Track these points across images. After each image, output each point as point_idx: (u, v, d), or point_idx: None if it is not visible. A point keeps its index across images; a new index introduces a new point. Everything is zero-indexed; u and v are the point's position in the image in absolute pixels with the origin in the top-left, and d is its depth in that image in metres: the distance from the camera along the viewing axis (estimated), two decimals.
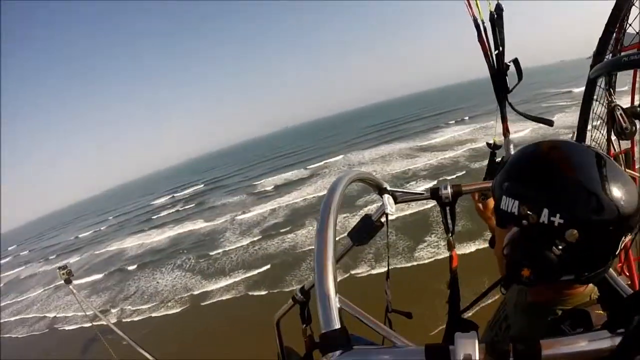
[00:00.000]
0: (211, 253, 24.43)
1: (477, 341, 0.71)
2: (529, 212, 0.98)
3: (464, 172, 26.61)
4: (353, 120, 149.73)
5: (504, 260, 1.10)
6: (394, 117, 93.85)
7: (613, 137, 2.31)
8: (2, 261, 51.35)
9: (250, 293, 17.53)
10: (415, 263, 15.05)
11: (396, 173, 33.27)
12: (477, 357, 0.69)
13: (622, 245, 0.97)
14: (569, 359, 0.74)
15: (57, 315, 22.20)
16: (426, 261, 14.84)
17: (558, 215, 0.94)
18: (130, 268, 26.69)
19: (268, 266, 19.74)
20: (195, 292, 19.38)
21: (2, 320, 24.65)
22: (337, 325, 0.80)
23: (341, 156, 49.30)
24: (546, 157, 1.03)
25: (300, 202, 31.55)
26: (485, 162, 2.19)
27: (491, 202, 1.90)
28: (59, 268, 4.17)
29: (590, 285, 1.14)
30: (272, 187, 41.69)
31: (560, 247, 0.95)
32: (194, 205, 46.27)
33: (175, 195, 63.25)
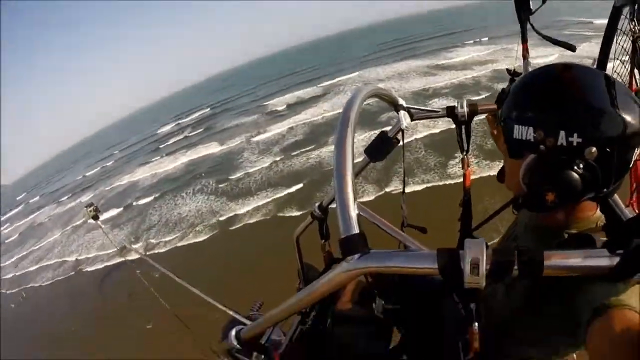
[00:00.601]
0: (232, 176, 23.27)
1: (485, 246, 0.76)
2: (545, 136, 0.99)
3: (487, 93, 25.47)
4: (362, 37, 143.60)
5: (522, 191, 1.13)
6: (406, 34, 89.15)
7: (636, 72, 2.21)
8: (14, 211, 49.62)
9: (280, 214, 16.82)
10: (432, 184, 14.86)
11: (417, 90, 32.33)
12: (485, 260, 0.74)
13: (635, 157, 1.00)
14: (569, 271, 0.79)
15: (87, 256, 20.79)
16: (445, 181, 14.69)
17: (575, 134, 0.95)
18: (148, 200, 25.24)
19: (297, 186, 18.86)
20: (222, 217, 18.31)
21: (24, 271, 22.70)
22: (357, 230, 0.83)
23: (356, 73, 47.36)
24: (558, 78, 1.03)
25: (319, 119, 30.33)
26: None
27: None
28: (86, 206, 3.99)
29: (598, 212, 1.16)
30: (285, 106, 39.98)
31: (581, 166, 0.98)
32: (202, 130, 44.48)
33: (180, 121, 60.25)
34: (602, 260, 0.77)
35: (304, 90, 45.68)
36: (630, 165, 1.01)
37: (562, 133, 0.96)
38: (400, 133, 1.75)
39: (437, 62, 42.98)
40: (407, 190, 1.98)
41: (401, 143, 1.74)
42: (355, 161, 1.01)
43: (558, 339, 1.18)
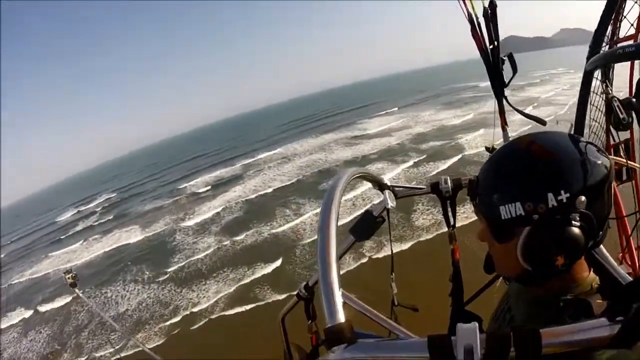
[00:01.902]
0: (175, 262, 21.42)
1: (478, 331, 0.73)
2: (535, 205, 1.00)
3: (414, 153, 29.24)
4: (259, 121, 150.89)
5: (520, 271, 1.12)
6: (308, 113, 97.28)
7: (611, 128, 2.35)
8: None
9: (249, 298, 15.68)
10: (420, 255, 14.73)
11: (347, 159, 35.20)
12: (479, 346, 0.71)
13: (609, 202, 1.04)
14: (569, 347, 0.76)
15: None
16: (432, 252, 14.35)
17: (562, 191, 0.98)
18: (66, 300, 20.88)
19: (263, 265, 18.00)
20: (178, 314, 16.22)
21: None
22: (342, 319, 0.82)
23: (277, 150, 49.45)
24: (528, 152, 1.05)
25: (252, 196, 30.18)
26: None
27: None
28: (65, 272, 4.14)
29: (592, 274, 1.15)
30: (208, 187, 39.24)
31: (577, 218, 0.99)
32: (113, 216, 41.07)
33: (82, 208, 55.69)
34: (602, 330, 0.75)
35: (222, 171, 45.90)
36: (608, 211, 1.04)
37: (550, 195, 0.99)
38: (386, 212, 1.74)
39: (353, 133, 47.19)
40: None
41: (387, 222, 1.76)
42: (339, 234, 1.03)
43: None
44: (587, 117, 2.31)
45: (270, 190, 30.29)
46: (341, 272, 0.93)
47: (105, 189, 68.74)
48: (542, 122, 2.04)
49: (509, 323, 1.36)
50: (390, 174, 27.24)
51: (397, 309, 1.93)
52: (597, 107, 2.31)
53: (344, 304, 0.87)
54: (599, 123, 2.39)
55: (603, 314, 0.79)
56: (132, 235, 29.68)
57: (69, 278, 3.88)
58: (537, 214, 1.01)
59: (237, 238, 21.82)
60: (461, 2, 1.91)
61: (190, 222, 27.75)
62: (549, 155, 1.02)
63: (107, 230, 34.52)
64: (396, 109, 65.50)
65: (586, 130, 2.34)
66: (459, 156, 28.98)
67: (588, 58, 2.09)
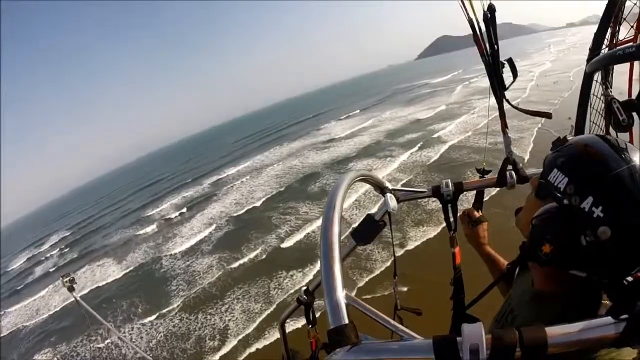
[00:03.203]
0: (175, 295, 19.09)
1: (483, 331, 0.74)
2: (574, 192, 1.02)
3: (395, 147, 31.02)
4: (211, 140, 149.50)
5: (527, 230, 1.17)
6: (262, 127, 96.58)
7: (610, 130, 2.38)
8: None
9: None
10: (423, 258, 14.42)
11: (326, 161, 36.12)
12: (484, 345, 0.72)
13: None
14: (575, 345, 0.77)
15: None
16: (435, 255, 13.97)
17: (600, 207, 0.96)
18: None
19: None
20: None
21: None
22: (345, 321, 0.83)
23: (246, 163, 48.72)
24: (620, 155, 1.02)
25: (239, 211, 29.04)
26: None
27: (481, 229, 2.01)
28: (62, 276, 4.04)
29: None
30: (178, 210, 37.12)
31: (588, 238, 0.98)
32: (77, 255, 37.10)
33: (35, 252, 49.07)
34: (607, 328, 0.76)
35: (189, 192, 44.04)
36: (633, 272, 1.00)
37: (590, 199, 0.98)
38: (387, 215, 1.71)
39: (320, 139, 48.12)
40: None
41: (389, 226, 1.71)
42: (342, 240, 1.03)
43: None
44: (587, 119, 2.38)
45: (259, 203, 29.27)
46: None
47: (55, 229, 63.06)
48: (548, 115, 2.00)
49: (511, 324, 1.32)
50: (383, 168, 27.70)
51: (400, 313, 1.91)
52: (596, 109, 2.32)
53: (347, 305, 0.86)
54: (597, 125, 2.40)
55: (608, 312, 0.78)
56: (109, 270, 26.74)
57: (66, 282, 4.03)
58: (568, 201, 1.02)
59: (248, 254, 20.54)
60: (461, 7, 1.91)
61: (177, 248, 25.55)
62: (631, 175, 0.97)
63: (75, 270, 30.51)
64: (357, 111, 68.09)
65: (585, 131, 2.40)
66: (444, 145, 29.98)
67: (588, 60, 2.13)
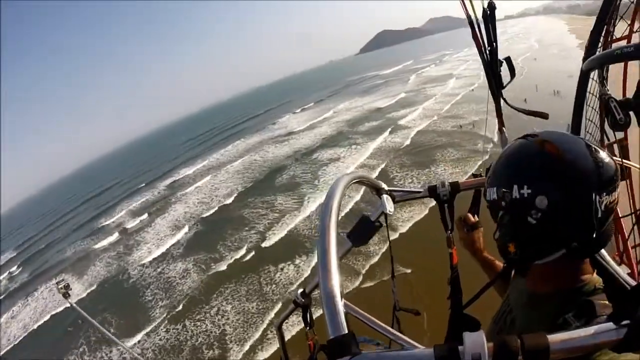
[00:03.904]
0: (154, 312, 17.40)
1: (484, 339, 0.73)
2: (504, 192, 1.11)
3: (357, 135, 31.95)
4: (158, 142, 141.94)
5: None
6: (212, 126, 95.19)
7: (606, 128, 2.52)
8: None
9: None
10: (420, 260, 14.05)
11: (288, 153, 36.13)
12: (486, 354, 0.72)
13: (603, 207, 1.03)
14: (577, 351, 0.77)
15: None
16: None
17: (525, 186, 1.05)
18: None
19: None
20: None
21: None
22: (345, 331, 0.82)
23: (203, 163, 46.64)
24: (516, 148, 1.15)
25: (207, 212, 27.72)
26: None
27: (476, 234, 2.02)
28: (56, 282, 4.04)
29: (595, 276, 1.18)
30: (136, 217, 34.49)
31: (534, 216, 1.05)
32: (28, 275, 33.43)
33: None
34: (609, 334, 0.76)
35: (145, 197, 41.23)
36: (599, 215, 1.02)
37: (515, 187, 1.07)
38: (384, 216, 1.68)
39: (276, 133, 47.97)
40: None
41: (385, 227, 1.70)
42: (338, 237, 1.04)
43: None
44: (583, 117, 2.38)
45: (229, 200, 28.17)
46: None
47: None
48: (545, 116, 2.04)
49: (510, 325, 1.37)
50: (357, 156, 28.32)
51: (399, 313, 1.93)
52: (592, 107, 2.34)
53: (346, 314, 0.85)
54: (594, 123, 2.45)
55: (609, 318, 0.78)
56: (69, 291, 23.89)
57: (61, 288, 4.03)
58: (504, 202, 1.11)
59: (229, 254, 19.53)
60: (462, 5, 1.91)
61: (146, 257, 23.62)
62: (526, 153, 1.10)
63: (28, 294, 27.43)
64: (312, 104, 68.13)
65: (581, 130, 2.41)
66: (412, 130, 30.84)
67: (584, 59, 2.11)
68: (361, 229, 1.57)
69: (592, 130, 2.45)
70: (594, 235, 1.05)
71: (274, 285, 15.85)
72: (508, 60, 1.95)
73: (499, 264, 1.93)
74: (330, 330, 0.81)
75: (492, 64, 1.99)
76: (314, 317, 1.91)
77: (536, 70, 49.63)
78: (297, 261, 16.86)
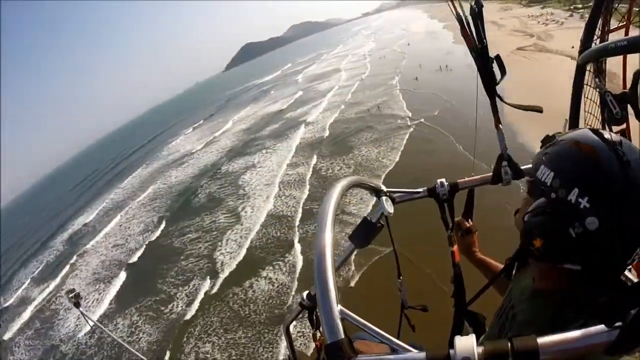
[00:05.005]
0: None
1: (475, 343, 0.77)
2: (560, 185, 1.05)
3: (267, 140, 32.06)
4: (44, 192, 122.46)
5: (522, 228, 1.20)
6: (95, 167, 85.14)
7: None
8: None
9: None
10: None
11: (194, 174, 34.99)
12: (476, 358, 0.74)
13: (637, 257, 1.02)
14: (567, 354, 0.79)
15: None
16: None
17: (586, 198, 0.99)
18: None
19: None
20: None
21: None
22: (341, 336, 0.85)
23: (103, 204, 41.48)
24: (609, 146, 1.04)
25: (130, 254, 24.65)
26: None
27: (471, 239, 2.09)
28: (67, 292, 4.31)
29: None
30: (41, 286, 28.24)
31: (577, 230, 1.00)
32: None
33: None
34: (600, 336, 0.77)
35: (43, 261, 34.38)
36: (629, 262, 1.02)
37: (576, 190, 1.00)
38: (384, 218, 1.69)
39: (169, 159, 45.98)
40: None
41: (387, 228, 1.74)
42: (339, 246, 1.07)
43: None
44: (582, 110, 2.41)
45: (154, 236, 25.11)
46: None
47: None
48: (539, 109, 1.96)
49: (512, 320, 1.36)
50: (272, 158, 28.28)
51: (408, 310, 1.98)
52: (591, 99, 2.32)
53: (342, 319, 0.88)
54: (594, 115, 2.40)
55: (601, 320, 0.80)
56: None
57: (72, 298, 3.88)
58: (556, 194, 1.04)
59: (185, 289, 17.32)
60: (449, 3, 1.89)
61: (82, 329, 18.83)
62: (615, 165, 0.99)
63: None
64: (201, 121, 66.38)
65: (580, 123, 2.43)
66: (327, 121, 31.40)
67: (580, 52, 2.14)
68: (363, 231, 1.57)
69: (592, 122, 2.39)
70: (616, 268, 1.05)
71: (252, 305, 14.30)
72: (498, 58, 1.87)
73: (496, 264, 1.97)
74: (327, 335, 0.84)
75: (484, 61, 1.90)
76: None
77: (415, 53, 54.42)
78: (267, 271, 15.61)
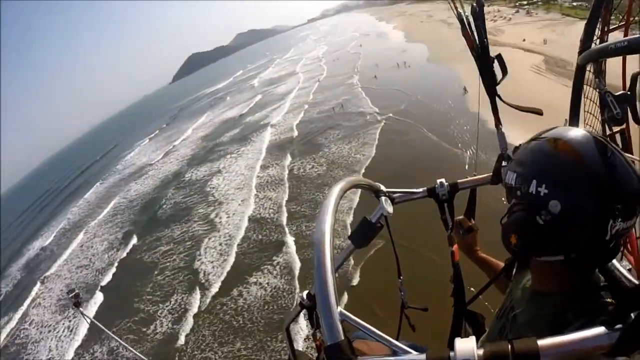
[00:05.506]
0: None
1: (475, 345, 0.77)
2: (522, 182, 1.12)
3: (233, 145, 31.84)
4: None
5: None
6: (44, 189, 78.75)
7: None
8: None
9: None
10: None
11: (155, 184, 34.23)
12: None
13: (614, 232, 1.02)
14: (567, 356, 0.79)
15: None
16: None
17: (544, 185, 1.05)
18: None
19: None
20: None
21: None
22: (341, 337, 0.86)
23: (60, 225, 38.21)
24: (546, 143, 1.12)
25: (96, 276, 23.00)
26: None
27: (472, 237, 2.10)
28: (68, 292, 4.04)
29: (596, 273, 1.21)
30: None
31: (544, 217, 1.05)
32: None
33: None
34: (601, 339, 0.78)
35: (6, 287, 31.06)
36: (606, 238, 1.01)
37: (534, 182, 1.06)
38: (384, 218, 1.72)
39: (125, 172, 44.67)
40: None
41: (386, 228, 1.74)
42: (338, 246, 1.10)
43: None
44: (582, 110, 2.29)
45: (124, 253, 23.75)
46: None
47: None
48: (539, 112, 2.00)
49: (512, 321, 1.37)
50: (238, 162, 28.09)
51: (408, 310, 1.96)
52: (590, 99, 2.22)
53: (342, 321, 0.88)
54: (594, 115, 2.27)
55: (602, 322, 0.80)
56: None
57: (72, 298, 3.88)
58: (520, 192, 1.11)
59: (170, 303, 16.35)
60: (450, 3, 1.92)
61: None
62: (566, 153, 1.05)
63: None
64: (157, 131, 65.00)
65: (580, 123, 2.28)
66: (293, 121, 31.67)
67: (580, 52, 2.07)
68: (362, 231, 1.58)
69: (592, 122, 2.28)
70: (595, 255, 1.07)
71: (245, 314, 13.56)
72: (499, 57, 1.87)
73: (497, 263, 1.96)
74: (327, 337, 0.84)
75: (484, 61, 1.91)
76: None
77: (369, 53, 55.76)
78: (256, 276, 14.94)
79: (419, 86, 30.94)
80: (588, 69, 2.09)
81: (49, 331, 19.77)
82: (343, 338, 0.83)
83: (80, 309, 3.97)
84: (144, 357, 4.90)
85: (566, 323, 0.99)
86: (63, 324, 19.81)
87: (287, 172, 24.22)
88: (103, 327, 4.42)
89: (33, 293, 25.52)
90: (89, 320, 4.41)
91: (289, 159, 26.13)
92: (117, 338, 4.91)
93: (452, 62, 33.10)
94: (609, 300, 1.04)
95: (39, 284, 26.48)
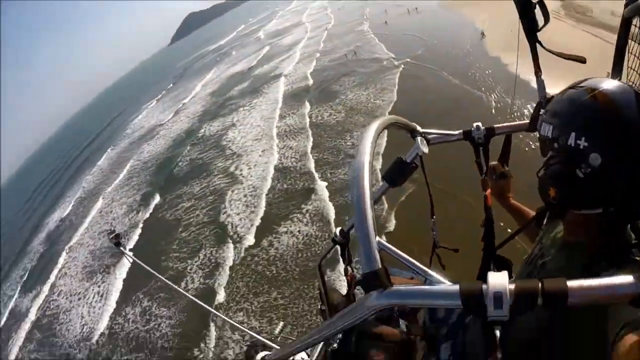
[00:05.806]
0: None
1: (507, 280, 0.79)
2: (559, 134, 1.12)
3: (246, 97, 31.67)
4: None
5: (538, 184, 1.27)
6: (39, 180, 75.90)
7: None
8: None
9: None
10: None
11: (166, 144, 33.95)
12: (508, 294, 0.77)
13: None
14: (594, 300, 0.80)
15: None
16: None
17: (583, 138, 1.05)
18: None
19: None
20: None
21: None
22: (378, 266, 0.87)
23: (77, 196, 37.12)
24: (583, 93, 1.10)
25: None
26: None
27: (505, 183, 2.09)
28: (108, 233, 4.26)
29: (628, 231, 1.17)
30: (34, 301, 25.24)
31: (583, 170, 1.06)
32: None
33: None
34: (629, 287, 0.78)
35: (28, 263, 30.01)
36: None
37: (573, 134, 1.07)
38: (419, 158, 1.71)
39: (135, 135, 44.44)
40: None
41: (421, 168, 1.76)
42: (374, 187, 1.08)
43: (588, 356, 1.14)
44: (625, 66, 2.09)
45: (147, 214, 23.21)
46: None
47: None
48: (582, 60, 1.87)
49: (541, 269, 1.38)
50: (252, 114, 27.56)
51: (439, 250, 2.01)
52: (635, 55, 2.06)
53: (380, 250, 0.89)
54: (637, 72, 2.10)
55: (631, 271, 0.80)
56: None
57: (112, 238, 4.03)
58: (557, 144, 1.13)
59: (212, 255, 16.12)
60: None
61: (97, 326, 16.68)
62: (607, 106, 1.04)
63: None
64: (163, 92, 64.25)
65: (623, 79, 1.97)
66: (306, 70, 31.35)
67: (626, 4, 1.86)
68: (397, 170, 1.59)
69: (634, 79, 2.07)
70: (631, 209, 1.06)
71: (278, 263, 13.18)
72: (541, 3, 1.74)
73: (528, 211, 1.98)
74: (364, 264, 0.86)
75: (525, 6, 1.78)
76: (352, 255, 1.95)
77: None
78: (286, 226, 14.43)
79: (434, 32, 29.80)
80: (634, 23, 1.94)
81: (79, 299, 19.47)
82: (380, 266, 0.84)
83: (121, 248, 4.05)
84: (195, 299, 5.03)
85: (595, 274, 0.89)
86: (92, 289, 19.43)
87: (307, 120, 23.57)
88: (146, 267, 4.51)
89: (59, 264, 25.04)
90: (130, 259, 4.40)
91: (307, 107, 25.40)
92: (162, 278, 4.87)
93: (465, 7, 31.91)
94: (638, 258, 1.02)
95: (63, 254, 25.96)
